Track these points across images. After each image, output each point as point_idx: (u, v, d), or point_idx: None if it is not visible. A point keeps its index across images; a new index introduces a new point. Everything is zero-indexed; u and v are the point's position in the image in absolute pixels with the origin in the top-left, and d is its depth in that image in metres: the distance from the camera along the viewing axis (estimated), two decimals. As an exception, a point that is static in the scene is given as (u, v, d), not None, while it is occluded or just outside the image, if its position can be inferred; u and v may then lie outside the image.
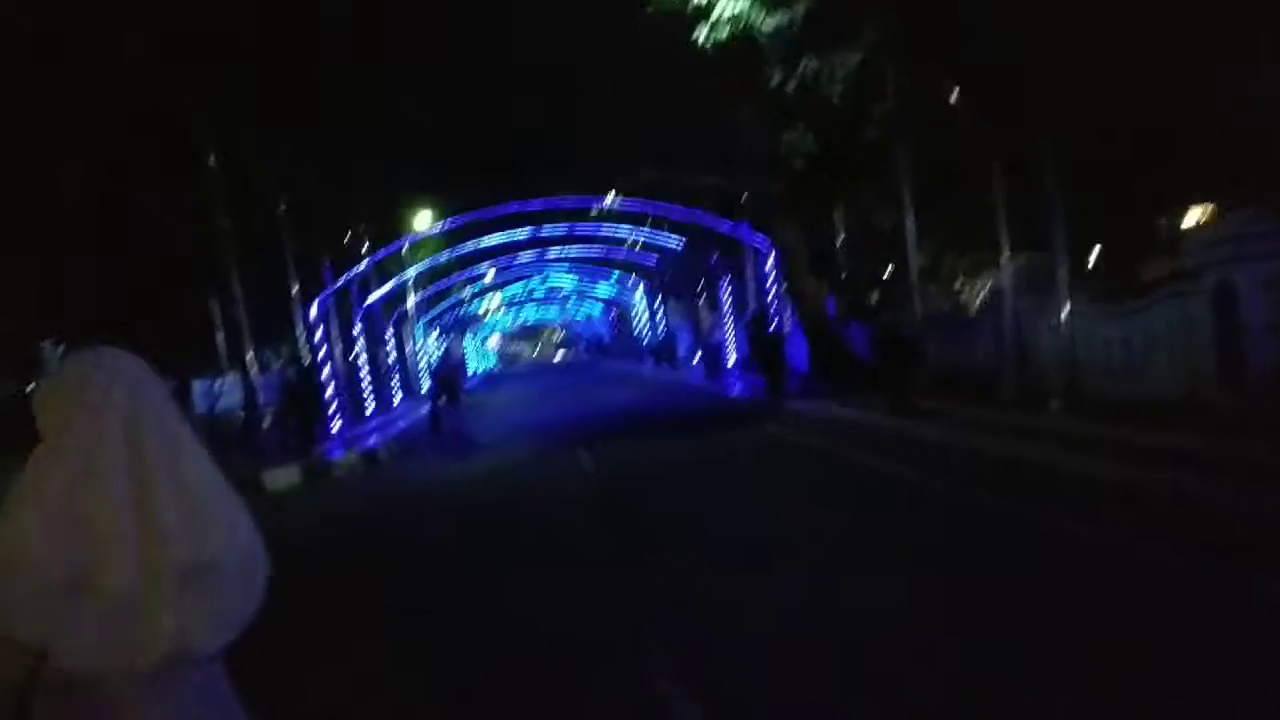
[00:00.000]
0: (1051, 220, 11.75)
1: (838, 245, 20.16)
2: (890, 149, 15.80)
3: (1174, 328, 11.25)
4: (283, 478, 16.71)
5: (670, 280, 39.32)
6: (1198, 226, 15.02)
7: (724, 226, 26.39)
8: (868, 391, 16.23)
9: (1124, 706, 4.20)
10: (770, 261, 26.00)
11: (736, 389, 24.09)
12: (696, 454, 14.15)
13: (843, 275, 19.82)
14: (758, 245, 26.12)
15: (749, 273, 27.74)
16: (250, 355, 19.22)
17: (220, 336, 19.85)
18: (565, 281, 57.87)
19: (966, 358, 15.91)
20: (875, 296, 18.55)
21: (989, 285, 15.49)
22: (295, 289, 21.50)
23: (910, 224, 15.80)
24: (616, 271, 50.25)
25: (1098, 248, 17.99)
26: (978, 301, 21.47)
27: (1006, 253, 13.15)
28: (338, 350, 26.81)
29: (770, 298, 25.85)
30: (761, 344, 19.77)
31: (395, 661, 6.12)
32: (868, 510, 8.97)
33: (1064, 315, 12.12)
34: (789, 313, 23.25)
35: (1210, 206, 14.72)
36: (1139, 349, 11.88)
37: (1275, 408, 9.25)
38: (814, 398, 17.15)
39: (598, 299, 65.98)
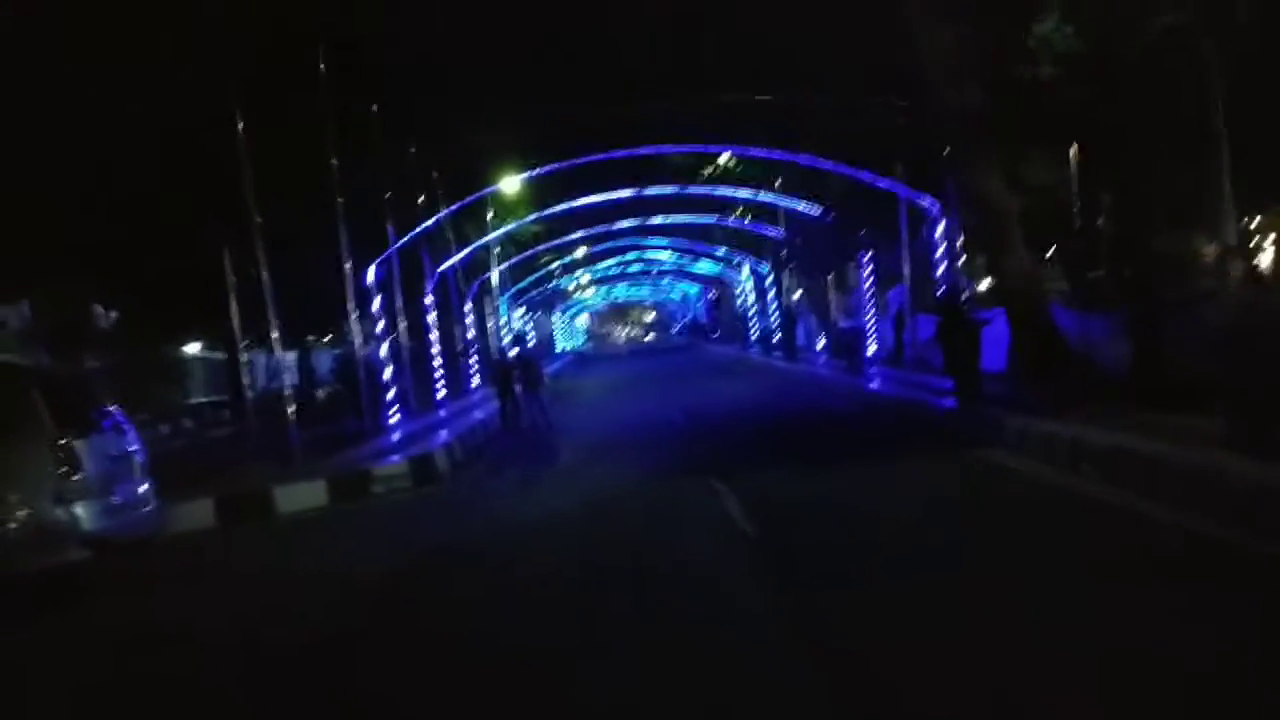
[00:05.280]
0: None
1: (1074, 199, 14.49)
2: (1194, 45, 10.35)
3: None
4: (303, 495, 12.77)
5: (794, 252, 33.84)
6: None
7: (874, 180, 21.06)
8: (1112, 405, 10.82)
9: None
10: (941, 227, 20.62)
11: (889, 388, 18.80)
12: (923, 507, 8.93)
13: (1091, 237, 14.13)
14: (923, 204, 20.73)
15: (904, 241, 22.27)
16: (275, 333, 14.68)
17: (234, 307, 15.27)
18: (663, 255, 52.85)
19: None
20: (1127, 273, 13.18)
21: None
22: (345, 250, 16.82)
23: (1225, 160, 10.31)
24: (723, 248, 45.09)
25: None
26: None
27: None
28: (402, 326, 22.56)
29: (940, 272, 20.45)
30: (955, 331, 14.34)
31: None
32: None
33: None
34: (970, 293, 17.88)
35: None
36: None
37: None
38: (1039, 414, 11.45)
39: (697, 276, 60.89)
